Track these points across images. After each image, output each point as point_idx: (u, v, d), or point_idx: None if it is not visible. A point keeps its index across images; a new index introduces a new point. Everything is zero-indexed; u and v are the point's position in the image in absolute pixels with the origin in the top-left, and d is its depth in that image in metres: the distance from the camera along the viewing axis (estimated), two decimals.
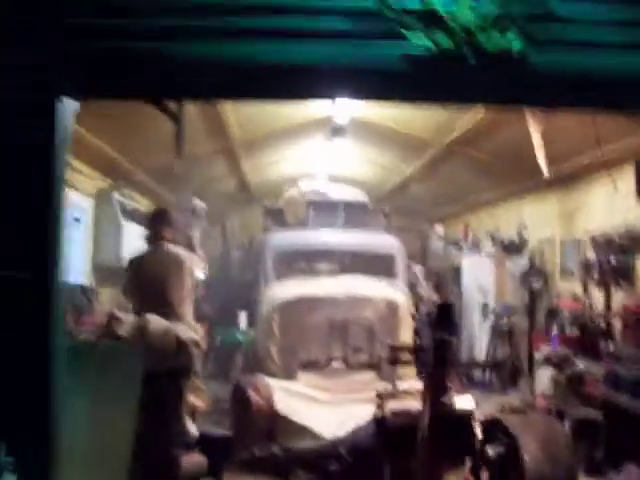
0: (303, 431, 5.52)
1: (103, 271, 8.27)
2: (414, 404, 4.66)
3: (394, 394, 4.83)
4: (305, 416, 5.65)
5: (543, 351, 7.16)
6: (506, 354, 9.69)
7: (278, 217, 9.95)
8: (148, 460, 3.71)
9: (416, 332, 7.06)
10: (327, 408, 5.92)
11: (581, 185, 8.89)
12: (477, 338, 10.31)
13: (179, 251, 5.57)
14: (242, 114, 8.12)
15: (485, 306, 10.05)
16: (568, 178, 8.10)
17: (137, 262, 5.55)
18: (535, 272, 10.26)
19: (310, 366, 6.80)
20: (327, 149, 11.22)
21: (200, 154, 8.87)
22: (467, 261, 10.97)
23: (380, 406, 4.73)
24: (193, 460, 4.26)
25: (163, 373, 4.05)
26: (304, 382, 6.55)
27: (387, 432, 4.56)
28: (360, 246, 7.68)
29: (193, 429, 4.54)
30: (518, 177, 9.87)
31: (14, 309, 2.92)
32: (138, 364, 3.66)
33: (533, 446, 4.32)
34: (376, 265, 7.65)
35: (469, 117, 7.89)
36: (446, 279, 3.36)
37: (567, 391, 7.23)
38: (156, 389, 3.84)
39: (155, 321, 4.33)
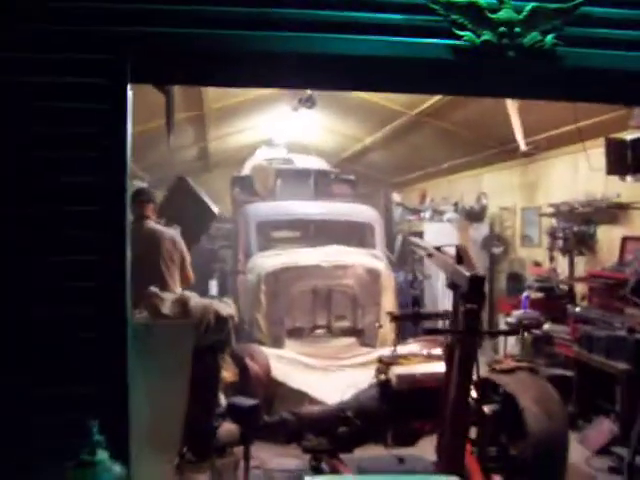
0: (301, 396, 5.74)
1: None
2: (417, 368, 4.94)
3: (395, 359, 5.07)
4: (301, 382, 5.88)
5: (515, 314, 7.52)
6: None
7: (246, 186, 10.03)
8: (193, 432, 3.86)
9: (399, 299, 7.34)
10: (319, 374, 6.16)
11: (543, 157, 9.29)
12: (440, 302, 10.68)
13: (163, 228, 5.68)
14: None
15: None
16: (532, 150, 8.45)
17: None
18: (495, 238, 10.71)
19: (296, 334, 7.01)
20: (290, 118, 11.28)
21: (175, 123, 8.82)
22: (429, 227, 11.29)
23: (384, 371, 4.97)
24: (225, 429, 4.43)
25: (205, 349, 4.20)
26: (290, 349, 6.77)
27: (393, 395, 4.81)
28: (340, 216, 7.87)
29: (222, 399, 4.72)
30: (481, 147, 10.22)
31: (92, 289, 3.02)
32: (190, 341, 3.80)
33: (530, 403, 4.62)
34: (356, 234, 7.87)
35: None
36: (467, 250, 3.50)
37: (533, 351, 7.69)
38: (199, 364, 3.98)
39: (194, 298, 4.44)
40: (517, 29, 3.17)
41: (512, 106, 6.68)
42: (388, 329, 7.09)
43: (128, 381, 3.00)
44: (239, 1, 3.26)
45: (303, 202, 8.27)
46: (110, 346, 3.01)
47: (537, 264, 9.25)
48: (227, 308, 4.55)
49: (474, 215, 10.91)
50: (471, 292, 3.31)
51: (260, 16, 3.24)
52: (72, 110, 3.08)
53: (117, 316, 3.02)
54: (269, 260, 7.12)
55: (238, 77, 3.65)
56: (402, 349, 6.15)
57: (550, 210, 8.61)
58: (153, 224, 5.59)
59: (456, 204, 11.20)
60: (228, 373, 4.96)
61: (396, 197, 13.88)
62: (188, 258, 5.65)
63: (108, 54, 3.13)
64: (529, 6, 3.22)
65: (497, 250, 10.55)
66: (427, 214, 12.14)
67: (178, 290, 5.34)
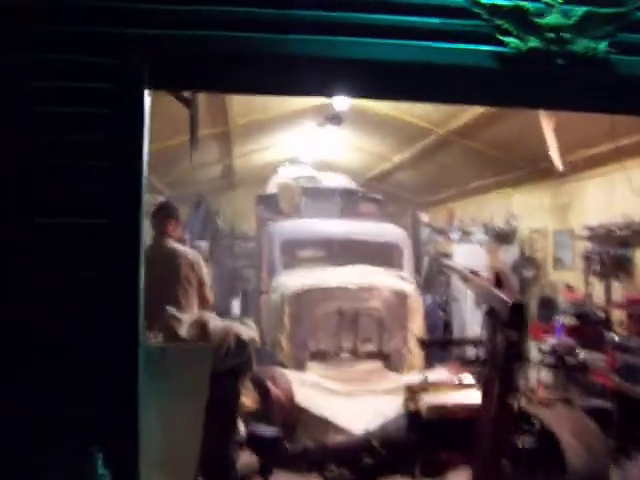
0: (324, 424, 5.47)
1: None
2: (448, 398, 4.66)
3: (425, 387, 4.80)
4: (324, 408, 5.60)
5: (549, 341, 7.18)
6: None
7: (271, 204, 9.83)
8: (209, 460, 3.61)
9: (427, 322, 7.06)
10: (343, 400, 5.88)
11: (576, 178, 8.99)
12: (469, 328, 10.35)
13: (182, 247, 5.36)
14: (245, 99, 7.96)
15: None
16: (569, 170, 8.16)
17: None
18: (526, 261, 10.38)
19: (319, 357, 6.76)
20: (317, 136, 11.10)
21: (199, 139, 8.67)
22: (458, 248, 10.99)
23: (413, 399, 4.69)
24: (244, 460, 4.18)
25: (224, 373, 3.94)
26: (313, 372, 6.51)
27: (423, 425, 4.54)
28: (367, 236, 7.62)
29: (242, 428, 4.46)
30: (511, 168, 9.95)
31: (105, 310, 2.81)
32: (207, 366, 3.57)
33: (569, 437, 4.34)
34: (383, 255, 7.62)
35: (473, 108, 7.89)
36: (508, 274, 3.32)
37: (567, 380, 7.34)
38: (217, 389, 3.73)
39: (213, 319, 4.21)
40: (566, 35, 2.92)
41: (547, 124, 6.41)
42: (415, 354, 6.82)
43: (139, 405, 2.78)
44: (257, 1, 3.05)
45: (329, 221, 8.04)
46: (121, 369, 2.78)
47: (570, 288, 8.91)
48: (249, 331, 4.29)
49: (504, 237, 10.60)
50: (512, 321, 3.05)
51: (280, 17, 3.03)
52: (83, 115, 2.90)
53: (129, 338, 2.80)
54: (293, 280, 6.89)
55: (256, 82, 3.41)
56: (430, 375, 5.88)
57: (585, 233, 8.28)
58: (173, 243, 5.28)
59: (486, 225, 10.88)
60: (248, 399, 4.71)
61: (423, 217, 13.63)
62: (207, 281, 5.34)
63: (121, 58, 2.94)
64: (580, 11, 2.97)
65: (528, 274, 10.20)
66: (455, 235, 11.84)
67: (195, 312, 5.08)
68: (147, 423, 2.81)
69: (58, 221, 2.81)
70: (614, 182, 7.98)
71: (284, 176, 10.66)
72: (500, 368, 3.15)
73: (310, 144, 11.69)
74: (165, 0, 3.20)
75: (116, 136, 2.93)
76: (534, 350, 8.92)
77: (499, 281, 3.45)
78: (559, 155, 6.48)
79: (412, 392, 4.85)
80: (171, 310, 4.14)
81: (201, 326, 4.07)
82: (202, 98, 7.41)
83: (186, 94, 6.16)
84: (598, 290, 8.09)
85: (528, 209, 10.71)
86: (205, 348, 3.84)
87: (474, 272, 4.12)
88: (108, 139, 2.93)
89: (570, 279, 9.11)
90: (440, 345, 4.73)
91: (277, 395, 5.57)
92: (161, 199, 11.23)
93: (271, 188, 10.60)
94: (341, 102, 8.82)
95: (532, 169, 9.38)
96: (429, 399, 4.57)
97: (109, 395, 2.77)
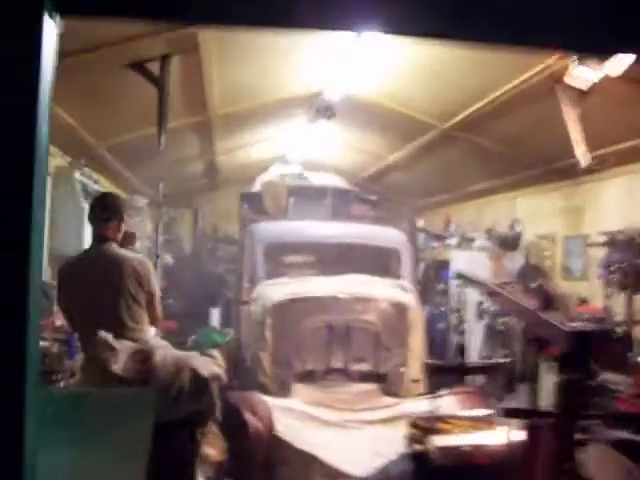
0: (311, 462, 4.61)
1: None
2: (464, 438, 3.80)
3: (433, 422, 3.94)
4: (312, 443, 4.73)
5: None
6: (503, 357, 8.93)
7: (256, 204, 9.01)
8: None
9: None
10: (334, 432, 5.01)
11: (591, 178, 8.18)
12: (469, 340, 9.52)
13: (126, 253, 4.25)
14: (226, 85, 7.10)
15: (480, 304, 9.25)
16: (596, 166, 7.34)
17: (71, 269, 4.26)
18: (531, 270, 9.57)
19: (306, 378, 5.90)
20: (307, 132, 10.25)
21: (175, 129, 7.80)
22: (457, 256, 10.16)
23: (420, 439, 3.83)
24: None
25: (176, 422, 3.03)
26: (299, 396, 5.65)
27: (433, 472, 3.69)
28: (362, 240, 6.75)
29: None
30: (518, 167, 9.13)
31: None
32: (148, 414, 2.67)
33: None
34: (380, 262, 6.76)
35: (479, 97, 7.06)
36: (558, 290, 2.70)
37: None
38: (166, 444, 2.83)
39: (162, 350, 3.26)
40: None
41: (571, 113, 5.59)
42: (416, 375, 5.99)
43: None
44: None
45: (319, 223, 7.18)
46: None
47: (583, 301, 8.09)
48: (210, 365, 3.35)
49: (508, 243, 9.78)
50: (573, 356, 2.20)
51: None
52: None
53: (10, 374, 1.92)
54: (277, 289, 6.01)
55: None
56: (434, 403, 5.03)
57: (602, 239, 7.47)
58: (115, 248, 4.21)
59: (489, 231, 10.04)
60: (214, 449, 3.81)
61: (418, 222, 12.81)
62: (158, 292, 4.32)
63: None
64: None
65: (534, 284, 9.37)
66: (453, 241, 11.01)
67: (146, 334, 4.04)
68: None
69: None
70: (635, 182, 7.20)
71: (270, 174, 9.84)
72: (556, 417, 2.32)
73: (300, 141, 10.83)
74: None
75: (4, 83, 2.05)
76: (544, 368, 8.13)
77: (547, 299, 2.61)
78: (585, 149, 5.65)
79: (418, 428, 3.99)
80: (103, 336, 3.21)
81: (143, 359, 3.14)
82: (176, 82, 6.57)
83: (154, 71, 5.31)
84: (617, 303, 7.29)
85: (534, 213, 9.90)
86: (145, 392, 2.92)
87: (503, 285, 3.27)
88: None
89: (582, 290, 8.30)
90: (452, 372, 3.89)
91: (255, 426, 4.70)
92: (143, 200, 10.39)
93: (257, 186, 9.77)
94: (333, 92, 8.01)
95: (544, 169, 8.55)
96: (440, 440, 3.71)
97: None
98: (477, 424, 4.05)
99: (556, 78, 5.59)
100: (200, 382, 3.19)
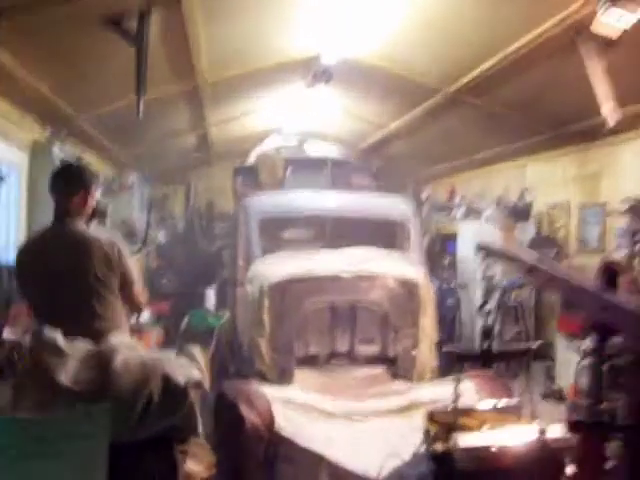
0: (316, 460, 4.12)
1: None
2: (491, 437, 3.32)
3: (454, 416, 3.45)
4: (316, 439, 4.24)
5: (590, 339, 5.84)
6: (516, 334, 8.48)
7: (250, 177, 8.49)
8: None
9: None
10: (340, 425, 4.51)
11: (609, 142, 7.65)
12: (478, 316, 9.04)
13: (93, 232, 3.66)
14: (214, 48, 6.53)
15: (490, 279, 8.76)
16: (603, 131, 6.79)
17: (29, 251, 3.70)
18: (543, 241, 9.06)
19: (308, 363, 5.40)
20: (303, 100, 9.68)
21: (161, 99, 7.23)
22: (465, 227, 9.67)
23: (439, 437, 3.34)
24: None
25: (145, 442, 2.48)
26: (301, 383, 5.16)
27: (456, 477, 3.20)
28: (366, 211, 6.19)
29: None
30: (529, 132, 8.59)
31: None
32: (99, 441, 2.14)
33: None
34: (385, 235, 6.23)
35: (488, 56, 6.50)
36: (627, 268, 2.29)
37: (611, 384, 6.02)
38: (132, 470, 2.31)
39: (124, 353, 2.64)
40: None
41: (596, 66, 5.05)
42: (428, 357, 5.51)
43: None
44: None
45: (318, 194, 6.64)
46: None
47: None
48: (188, 369, 2.75)
49: (518, 213, 9.26)
50: None
51: None
52: None
53: None
54: (274, 268, 5.49)
55: None
56: (446, 388, 4.54)
57: (623, 206, 6.95)
58: (81, 226, 3.63)
59: (498, 200, 9.51)
60: (199, 465, 3.29)
61: (422, 193, 12.28)
62: (134, 273, 3.71)
63: None
64: None
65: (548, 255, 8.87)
66: (460, 212, 10.49)
67: (124, 336, 3.44)
68: None
69: None
70: None
71: (266, 146, 9.30)
72: (623, 431, 1.84)
73: (296, 110, 10.26)
74: None
75: None
76: (562, 345, 7.66)
77: (611, 278, 2.11)
78: (614, 105, 5.10)
79: (436, 423, 3.50)
80: (49, 336, 2.63)
81: (101, 364, 2.55)
82: (159, 45, 6.00)
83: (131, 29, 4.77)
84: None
85: (545, 181, 9.37)
86: (95, 412, 2.32)
87: (542, 260, 2.77)
88: None
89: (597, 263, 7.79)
90: (478, 359, 3.40)
91: (253, 422, 4.21)
92: (133, 176, 9.83)
93: (251, 159, 9.24)
94: (331, 55, 7.45)
95: (557, 133, 8.00)
96: (464, 439, 3.22)
97: None
98: (504, 417, 3.56)
99: (578, 28, 5.04)
100: (175, 391, 2.58)
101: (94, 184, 3.77)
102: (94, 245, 3.52)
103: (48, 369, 2.43)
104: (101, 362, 2.53)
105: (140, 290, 3.69)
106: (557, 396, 7.19)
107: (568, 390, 6.80)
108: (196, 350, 3.01)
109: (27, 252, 3.66)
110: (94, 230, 3.66)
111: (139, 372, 2.53)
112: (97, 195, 3.81)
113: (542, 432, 3.22)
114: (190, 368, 2.70)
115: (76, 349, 2.60)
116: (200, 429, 2.68)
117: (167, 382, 2.54)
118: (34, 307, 3.58)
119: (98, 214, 3.83)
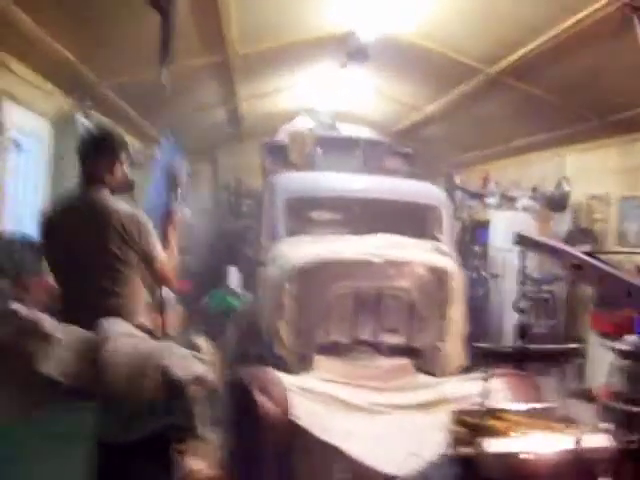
0: (333, 454, 3.91)
1: None
2: (525, 442, 3.07)
3: (484, 416, 3.21)
4: (333, 431, 4.03)
5: (630, 341, 5.53)
6: (548, 328, 8.19)
7: (280, 155, 8.26)
8: None
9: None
10: (360, 418, 4.29)
11: None
12: (507, 308, 8.73)
13: (114, 202, 3.46)
14: (246, 19, 6.28)
15: (523, 270, 8.43)
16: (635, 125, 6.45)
17: (52, 216, 3.55)
18: (580, 233, 8.71)
19: (329, 350, 5.19)
20: (336, 79, 9.40)
21: (190, 71, 7.02)
22: (498, 216, 9.33)
23: (467, 440, 3.11)
24: None
25: (138, 443, 2.23)
26: (321, 370, 4.95)
27: None
28: (397, 195, 5.91)
29: None
30: (570, 120, 8.21)
31: None
32: (85, 440, 1.92)
33: None
34: (417, 221, 5.96)
35: (535, 35, 6.15)
36: None
37: None
38: (124, 470, 2.09)
39: (115, 341, 2.38)
40: None
41: None
42: (455, 351, 5.27)
43: None
44: None
45: (348, 175, 6.39)
46: None
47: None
48: (189, 362, 2.46)
49: (555, 203, 8.90)
50: None
51: None
52: None
53: None
54: (299, 250, 5.26)
55: None
56: (474, 385, 4.31)
57: None
58: (105, 194, 3.44)
59: (534, 189, 9.16)
60: (201, 463, 3.07)
61: (455, 179, 11.94)
62: (158, 246, 3.47)
63: None
64: None
65: (583, 248, 8.52)
66: (493, 200, 10.13)
67: (140, 317, 3.36)
68: None
69: None
70: None
71: (297, 124, 9.05)
72: None
73: (329, 89, 9.98)
74: None
75: None
76: (595, 343, 7.34)
77: None
78: None
79: (462, 424, 3.26)
80: (33, 316, 2.35)
81: (90, 352, 2.29)
82: (188, 13, 5.77)
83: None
84: None
85: (585, 171, 8.99)
86: (76, 411, 2.04)
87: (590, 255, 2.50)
88: None
89: (638, 258, 7.42)
90: (512, 358, 3.15)
91: (267, 409, 4.01)
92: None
93: (282, 136, 8.99)
94: (366, 31, 7.16)
95: (600, 122, 7.63)
96: (494, 443, 2.97)
97: None
98: (535, 421, 3.31)
99: (636, 5, 4.71)
100: (173, 387, 2.31)
101: (123, 152, 3.58)
102: (112, 216, 3.35)
103: (29, 358, 2.18)
104: (93, 351, 2.29)
105: (167, 268, 3.53)
106: (586, 396, 6.89)
107: (597, 390, 6.51)
108: (201, 340, 2.76)
109: (49, 219, 3.52)
110: (116, 201, 3.47)
111: (132, 364, 2.26)
112: (126, 166, 3.61)
113: (577, 441, 2.97)
114: (193, 361, 2.45)
115: (67, 334, 2.36)
116: (200, 429, 2.45)
117: (164, 376, 2.28)
118: (54, 277, 3.45)
119: (126, 186, 3.65)
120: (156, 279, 3.56)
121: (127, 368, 2.25)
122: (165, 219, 3.90)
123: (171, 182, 4.46)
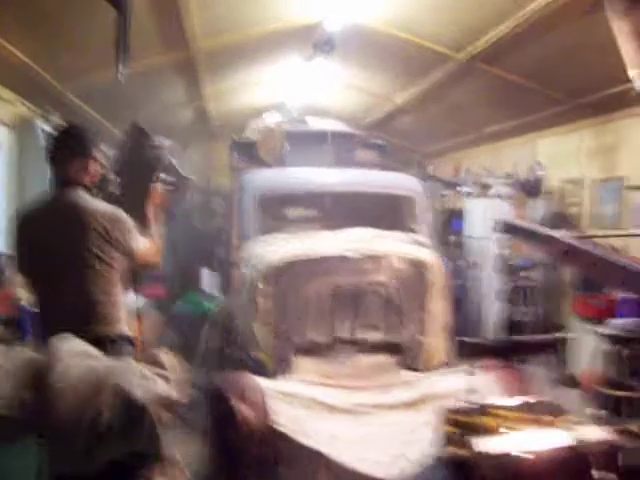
0: (318, 460, 3.75)
1: None
2: (519, 440, 2.93)
3: (475, 414, 3.07)
4: (318, 437, 3.86)
5: (613, 324, 5.46)
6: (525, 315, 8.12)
7: (249, 152, 8.04)
8: None
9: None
10: (344, 421, 4.13)
11: (627, 114, 7.21)
12: (486, 296, 8.64)
13: (92, 201, 3.29)
14: (206, 12, 6.08)
15: (501, 258, 8.35)
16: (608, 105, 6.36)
17: (25, 221, 3.37)
18: (555, 218, 8.65)
19: (309, 351, 5.01)
20: (304, 72, 9.24)
21: (153, 70, 6.80)
22: (472, 204, 9.23)
23: (457, 440, 2.96)
24: None
25: (99, 477, 2.02)
26: (301, 372, 4.78)
27: None
28: (370, 187, 5.76)
29: None
30: (540, 104, 8.13)
31: None
32: (29, 476, 1.74)
33: None
34: (392, 213, 5.81)
35: (502, 19, 6.04)
36: None
37: (629, 371, 5.62)
38: None
39: (71, 356, 2.17)
40: None
41: (625, 25, 4.59)
42: (438, 345, 5.12)
43: None
44: None
45: (320, 169, 6.21)
46: None
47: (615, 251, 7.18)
48: (151, 382, 2.23)
49: (530, 189, 8.83)
50: None
51: None
52: None
53: None
54: (272, 249, 5.08)
55: None
56: (460, 380, 4.20)
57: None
58: (81, 195, 3.26)
59: (509, 175, 9.07)
60: None
61: (428, 169, 11.84)
62: (140, 240, 3.38)
63: None
64: None
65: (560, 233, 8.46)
66: (467, 188, 10.04)
67: (121, 325, 3.26)
68: None
69: None
70: None
71: (266, 119, 8.86)
72: None
73: (297, 82, 9.82)
74: None
75: None
76: (576, 328, 7.27)
77: None
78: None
79: (455, 424, 3.11)
80: None
81: (35, 381, 2.04)
82: (146, 7, 5.55)
83: None
84: None
85: (558, 155, 8.94)
86: (17, 445, 1.83)
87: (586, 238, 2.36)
88: None
89: (613, 240, 7.36)
90: (505, 352, 3.02)
91: (246, 417, 3.83)
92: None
93: (249, 133, 8.78)
94: (333, 21, 7.00)
95: (572, 104, 7.55)
96: (487, 443, 2.83)
97: None
98: (527, 415, 3.17)
99: None
100: (132, 410, 2.09)
101: (96, 148, 3.39)
102: (92, 218, 3.20)
103: None
104: (39, 377, 2.08)
105: (149, 254, 3.50)
106: (571, 382, 6.81)
107: (582, 375, 6.45)
108: (165, 356, 2.54)
109: (22, 225, 3.35)
110: (94, 201, 3.32)
111: (84, 387, 2.04)
112: (102, 161, 3.45)
113: (573, 437, 2.84)
114: (154, 380, 2.25)
115: (10, 359, 2.13)
116: (167, 453, 2.25)
117: (121, 397, 2.08)
118: (31, 284, 3.33)
119: (105, 183, 3.48)
120: (139, 267, 3.51)
121: (79, 392, 2.02)
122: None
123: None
